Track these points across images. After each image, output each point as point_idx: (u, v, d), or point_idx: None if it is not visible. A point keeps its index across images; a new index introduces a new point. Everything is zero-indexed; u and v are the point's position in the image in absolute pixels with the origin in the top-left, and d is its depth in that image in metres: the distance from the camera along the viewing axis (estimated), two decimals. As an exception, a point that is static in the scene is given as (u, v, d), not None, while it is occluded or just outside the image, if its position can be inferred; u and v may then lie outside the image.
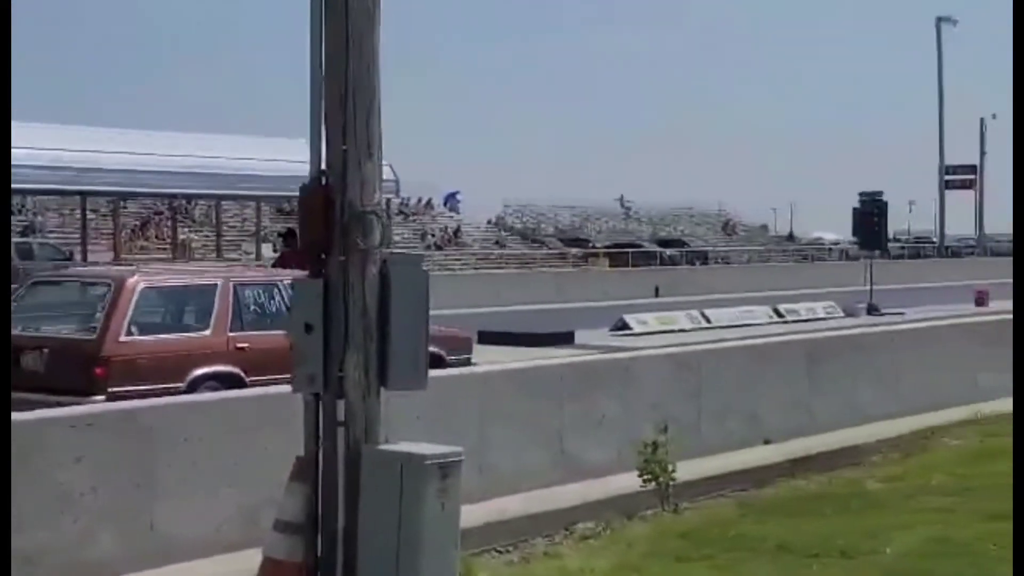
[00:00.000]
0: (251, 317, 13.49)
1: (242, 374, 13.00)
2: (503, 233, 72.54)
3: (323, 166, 6.67)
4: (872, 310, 32.74)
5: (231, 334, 13.23)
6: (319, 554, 6.66)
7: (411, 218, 68.50)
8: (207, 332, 13.24)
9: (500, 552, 9.44)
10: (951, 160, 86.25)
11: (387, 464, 6.51)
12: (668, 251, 67.82)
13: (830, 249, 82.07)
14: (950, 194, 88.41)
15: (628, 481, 10.80)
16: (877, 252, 36.71)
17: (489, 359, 16.74)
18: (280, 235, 25.03)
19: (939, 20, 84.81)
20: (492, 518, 9.62)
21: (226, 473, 8.91)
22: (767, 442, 12.91)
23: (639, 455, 10.55)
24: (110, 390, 12.15)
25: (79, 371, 12.42)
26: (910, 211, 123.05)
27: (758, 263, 67.41)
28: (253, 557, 8.47)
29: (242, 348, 13.15)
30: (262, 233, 51.42)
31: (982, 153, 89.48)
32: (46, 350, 12.79)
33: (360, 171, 6.60)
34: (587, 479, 11.09)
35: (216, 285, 13.60)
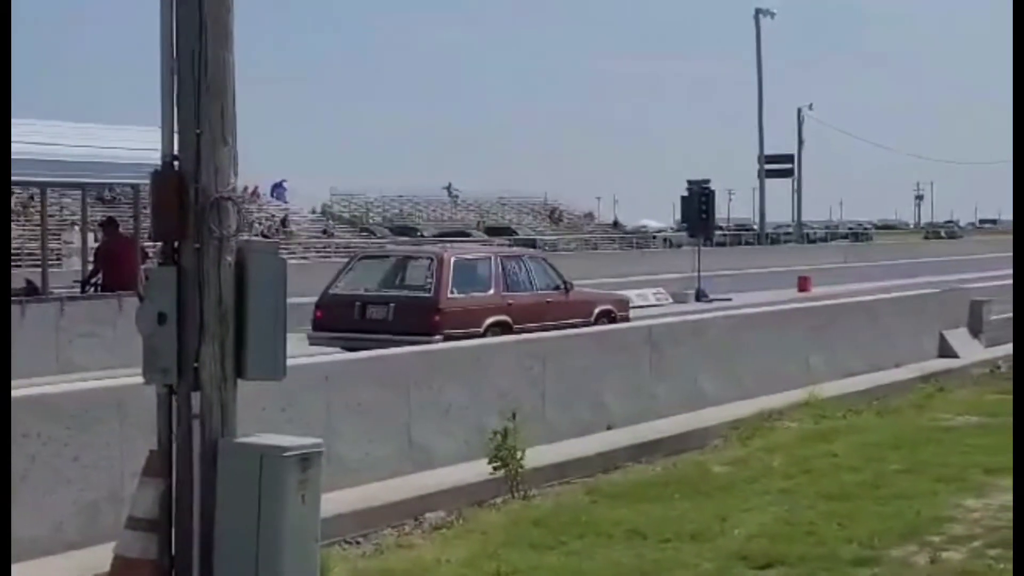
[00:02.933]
0: (512, 281, 19.10)
1: (511, 322, 18.13)
2: (330, 222, 71.90)
3: (175, 151, 6.46)
4: (700, 296, 33.28)
5: (503, 294, 18.71)
6: (174, 552, 6.45)
7: (242, 207, 67.29)
8: (491, 292, 18.62)
9: (349, 544, 9.30)
10: (770, 150, 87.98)
11: (245, 457, 6.33)
12: (497, 239, 67.96)
13: (654, 237, 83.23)
14: (767, 182, 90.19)
15: (477, 470, 10.76)
16: (704, 239, 37.24)
17: (328, 350, 16.56)
18: (99, 224, 24.36)
19: (758, 12, 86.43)
20: (340, 509, 9.44)
21: (65, 469, 8.60)
22: (611, 428, 12.98)
23: (489, 443, 10.52)
24: (445, 332, 17.03)
25: (422, 319, 17.42)
26: (730, 200, 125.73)
27: (586, 251, 67.92)
28: (95, 555, 8.24)
29: (511, 304, 18.58)
30: (75, 222, 49.93)
31: (800, 142, 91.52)
32: (392, 305, 18.24)
33: (214, 156, 6.39)
34: (435, 468, 11.00)
35: (490, 258, 19.49)
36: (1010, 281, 26.84)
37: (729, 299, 32.22)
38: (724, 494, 10.47)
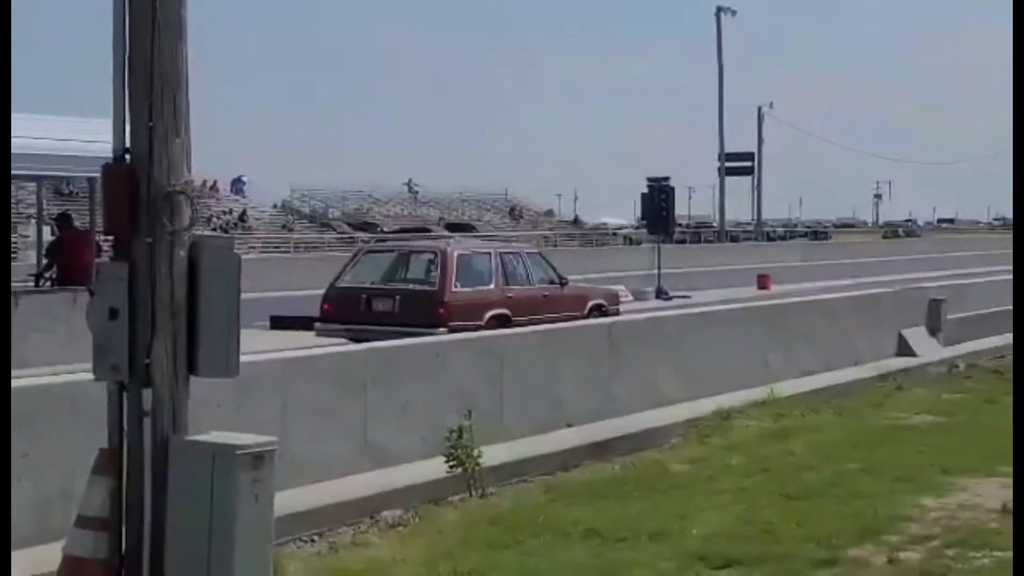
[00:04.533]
0: (511, 275, 19.78)
1: (510, 315, 18.80)
2: (290, 217, 71.59)
3: (127, 143, 6.34)
4: (660, 294, 33.27)
5: (503, 287, 19.39)
6: (124, 551, 6.34)
7: (195, 201, 66.94)
8: (491, 286, 19.32)
9: (304, 542, 9.22)
10: (730, 148, 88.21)
11: (197, 455, 6.21)
12: (457, 236, 67.79)
13: (614, 233, 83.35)
14: (727, 180, 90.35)
15: (434, 468, 10.67)
16: (664, 237, 37.24)
17: (284, 344, 16.44)
18: (53, 219, 24.15)
19: (719, 10, 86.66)
20: (294, 508, 9.32)
21: (16, 466, 8.44)
22: (569, 425, 12.91)
23: (445, 441, 10.43)
24: (449, 324, 17.68)
25: (428, 311, 18.14)
26: (689, 197, 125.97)
27: (547, 248, 67.91)
28: (47, 553, 8.11)
29: (510, 297, 19.29)
30: (31, 215, 49.49)
31: (760, 141, 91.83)
32: (398, 297, 18.96)
33: (167, 149, 6.26)
34: (392, 466, 10.91)
35: (490, 253, 20.14)
36: (968, 280, 27.04)
37: (688, 296, 32.23)
38: (682, 493, 10.43)
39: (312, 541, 9.26)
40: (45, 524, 8.54)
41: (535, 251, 24.16)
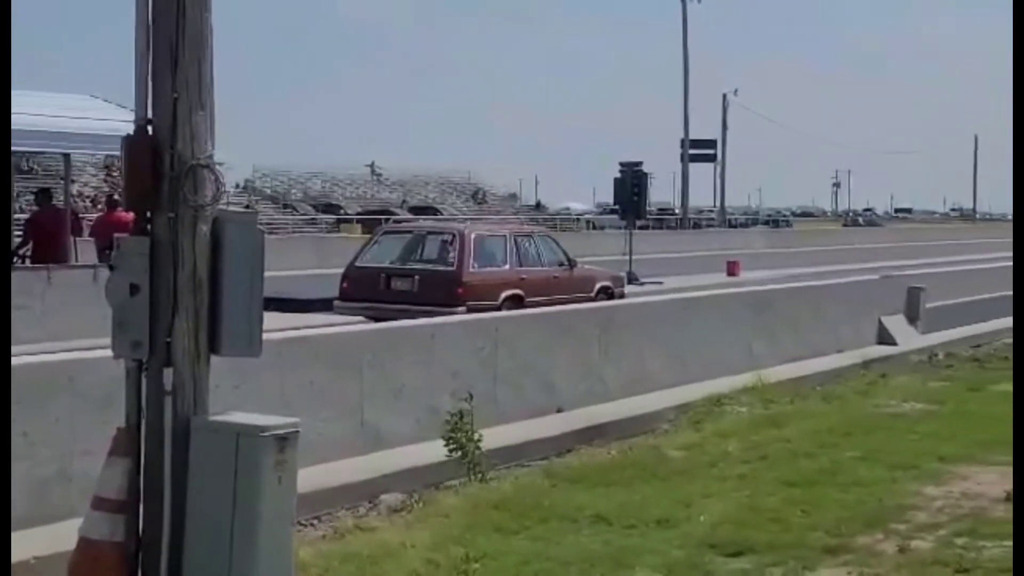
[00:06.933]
0: (524, 257, 20.32)
1: (523, 295, 19.31)
2: (252, 198, 71.11)
3: (149, 114, 6.15)
4: (632, 279, 33.15)
5: (517, 269, 19.89)
6: (141, 534, 6.17)
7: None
8: (506, 267, 19.83)
9: (304, 526, 9.03)
10: (692, 134, 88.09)
11: (220, 436, 6.06)
12: (422, 218, 67.52)
13: (577, 219, 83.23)
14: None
15: (430, 451, 10.54)
16: (635, 222, 37.15)
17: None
18: (34, 194, 23.83)
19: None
20: (293, 491, 9.19)
21: (14, 445, 8.24)
22: (560, 410, 12.82)
23: (445, 424, 10.29)
24: (467, 304, 18.12)
25: (446, 291, 18.51)
26: (650, 184, 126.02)
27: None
28: (45, 534, 7.94)
29: (523, 278, 19.79)
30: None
31: (724, 128, 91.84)
32: (416, 277, 19.39)
33: (191, 121, 6.10)
34: (387, 449, 10.77)
35: (505, 235, 20.69)
36: (942, 269, 27.15)
37: (660, 283, 32.17)
38: (683, 479, 10.33)
39: (312, 525, 9.10)
40: (43, 505, 8.36)
41: (546, 234, 24.66)
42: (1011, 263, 31.39)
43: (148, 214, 6.14)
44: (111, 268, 6.16)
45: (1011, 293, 23.89)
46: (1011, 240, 67.10)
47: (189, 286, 6.10)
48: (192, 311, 6.11)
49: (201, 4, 6.10)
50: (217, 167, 6.18)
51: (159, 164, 6.07)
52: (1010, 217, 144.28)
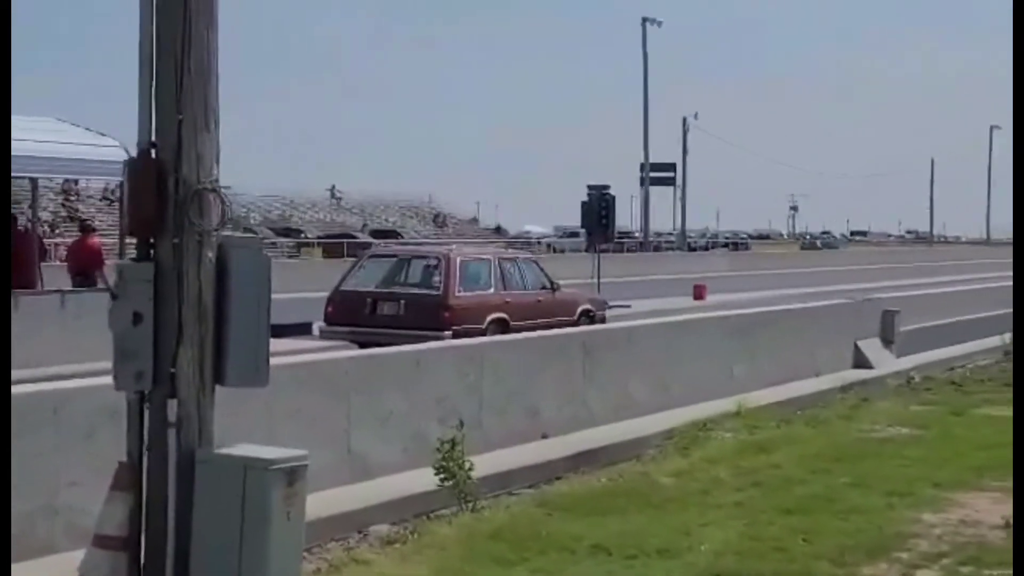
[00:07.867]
0: (509, 281, 20.22)
1: (508, 319, 19.33)
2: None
3: (152, 137, 5.95)
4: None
5: (502, 292, 19.78)
6: (143, 571, 5.95)
7: (114, 204, 65.80)
8: (491, 291, 19.70)
9: (294, 558, 8.79)
10: (652, 158, 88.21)
11: (227, 470, 5.87)
12: (384, 242, 67.23)
13: (538, 242, 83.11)
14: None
15: (418, 479, 10.33)
16: (602, 246, 37.02)
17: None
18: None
19: (644, 20, 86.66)
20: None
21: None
22: (545, 436, 12.63)
23: (436, 452, 10.08)
24: (453, 328, 18.02)
25: (433, 315, 18.48)
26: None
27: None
28: (29, 570, 7.67)
29: (508, 302, 19.73)
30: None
31: (684, 151, 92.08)
32: (403, 301, 19.23)
33: (196, 143, 5.91)
34: (374, 478, 10.55)
35: (490, 259, 20.60)
36: (912, 292, 27.14)
37: (628, 306, 31.97)
38: (677, 507, 10.16)
39: (303, 557, 8.84)
40: (28, 539, 8.08)
41: (530, 257, 24.63)
42: (978, 285, 31.70)
43: (152, 240, 5.93)
44: (113, 296, 5.94)
45: (984, 315, 24.09)
46: (968, 262, 67.36)
47: (194, 314, 5.91)
48: (197, 340, 5.91)
49: (207, 22, 5.93)
50: (223, 191, 5.98)
51: (163, 188, 5.88)
52: (964, 240, 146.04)
